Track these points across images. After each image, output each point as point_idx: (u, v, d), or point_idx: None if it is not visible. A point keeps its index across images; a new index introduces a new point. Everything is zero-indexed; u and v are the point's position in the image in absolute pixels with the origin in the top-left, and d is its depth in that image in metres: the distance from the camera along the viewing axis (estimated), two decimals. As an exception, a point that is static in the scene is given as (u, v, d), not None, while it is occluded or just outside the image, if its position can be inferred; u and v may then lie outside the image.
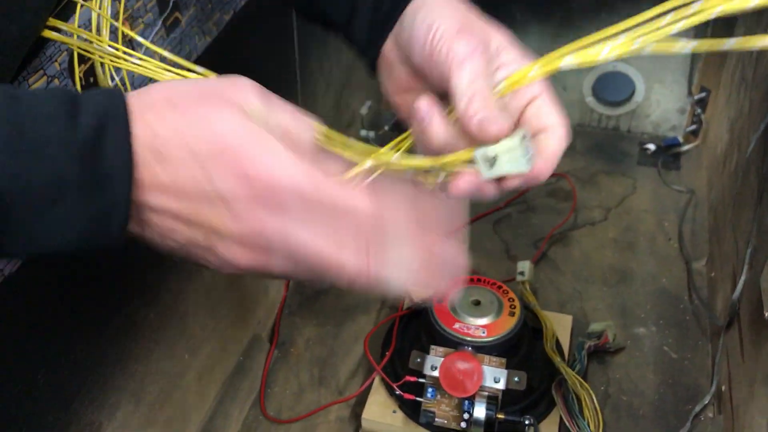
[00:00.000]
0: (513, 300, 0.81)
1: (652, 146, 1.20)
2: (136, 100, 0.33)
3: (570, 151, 1.22)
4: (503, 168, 0.38)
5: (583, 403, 0.78)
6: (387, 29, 0.48)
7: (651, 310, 0.95)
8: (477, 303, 0.80)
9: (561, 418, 0.78)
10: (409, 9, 0.46)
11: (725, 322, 0.83)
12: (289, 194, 0.32)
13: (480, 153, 0.38)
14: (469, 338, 0.78)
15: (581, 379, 0.79)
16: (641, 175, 1.16)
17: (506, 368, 0.77)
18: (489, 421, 0.74)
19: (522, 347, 0.81)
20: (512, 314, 0.80)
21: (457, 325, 0.79)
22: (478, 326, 0.78)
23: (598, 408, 0.78)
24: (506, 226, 1.09)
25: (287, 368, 0.90)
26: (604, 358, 0.89)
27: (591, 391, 0.79)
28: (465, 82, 0.40)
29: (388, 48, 0.49)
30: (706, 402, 0.83)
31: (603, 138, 1.24)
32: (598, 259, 1.03)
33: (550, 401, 0.80)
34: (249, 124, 0.33)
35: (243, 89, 0.35)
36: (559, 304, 0.95)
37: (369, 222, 0.34)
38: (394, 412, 0.81)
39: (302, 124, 0.36)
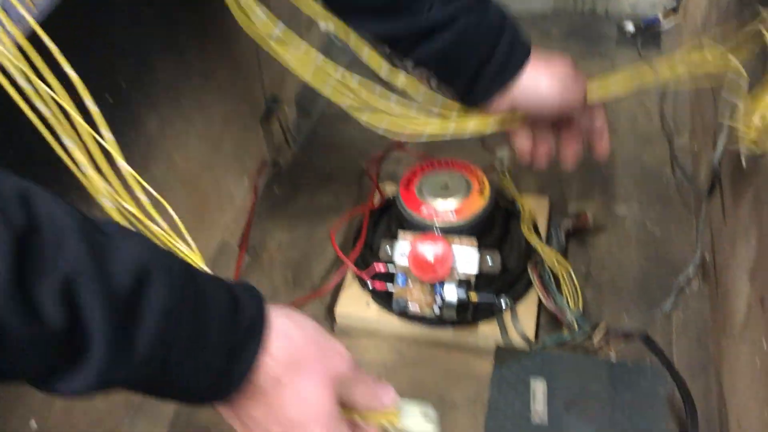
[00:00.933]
0: (482, 180, 0.77)
1: (631, 27, 1.14)
2: (274, 333, 0.41)
3: (546, 38, 1.18)
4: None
5: (561, 279, 0.75)
6: (497, 92, 0.62)
7: (633, 188, 0.91)
8: (444, 186, 0.77)
9: (539, 299, 0.75)
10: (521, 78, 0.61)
11: (708, 189, 0.79)
12: None
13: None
14: (437, 221, 0.74)
15: (559, 256, 0.76)
16: (620, 57, 1.11)
17: (478, 250, 0.74)
18: (462, 304, 0.71)
19: (495, 228, 0.77)
20: (482, 194, 0.76)
21: (424, 209, 0.75)
22: (447, 209, 0.75)
23: (576, 283, 0.75)
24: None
25: (260, 273, 0.87)
26: (585, 240, 0.86)
27: (569, 267, 0.76)
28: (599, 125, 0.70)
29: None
30: (690, 273, 0.80)
31: (580, 22, 1.18)
32: (578, 142, 0.98)
33: (527, 282, 0.77)
34: (328, 407, 0.42)
35: (342, 361, 0.43)
36: (537, 188, 0.92)
37: None
38: (368, 304, 0.79)
39: (374, 399, 0.46)
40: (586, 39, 1.14)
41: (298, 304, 0.82)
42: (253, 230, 0.91)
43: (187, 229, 0.45)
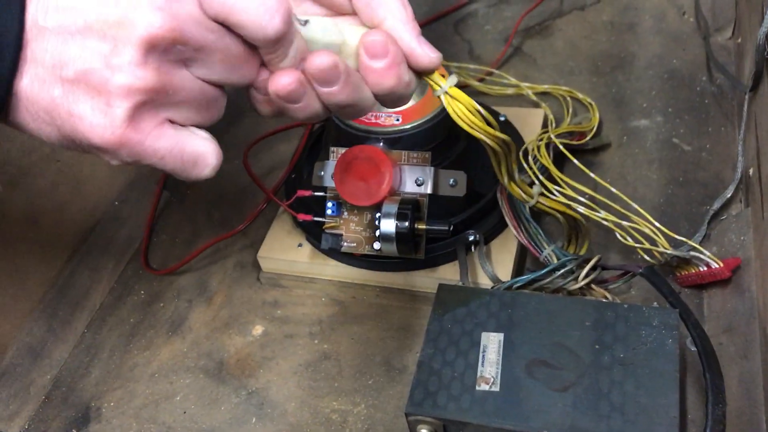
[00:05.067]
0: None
1: None
2: None
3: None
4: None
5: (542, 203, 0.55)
6: None
7: (656, 97, 0.71)
8: (390, 84, 0.58)
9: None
10: None
11: (752, 79, 0.58)
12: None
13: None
14: (376, 129, 0.56)
15: (540, 175, 0.57)
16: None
17: (435, 167, 0.56)
18: (402, 235, 0.52)
19: (459, 140, 0.58)
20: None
21: (362, 115, 0.57)
22: (390, 113, 0.56)
23: (564, 209, 0.55)
24: (471, 24, 0.85)
25: (180, 212, 0.71)
26: (591, 160, 0.66)
27: (561, 180, 0.56)
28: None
29: None
30: (729, 195, 0.59)
31: None
32: (588, 46, 0.78)
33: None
34: None
35: None
36: (534, 103, 0.72)
37: None
38: (300, 245, 0.61)
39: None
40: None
41: (215, 251, 0.65)
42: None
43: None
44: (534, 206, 0.54)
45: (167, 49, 0.29)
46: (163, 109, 0.31)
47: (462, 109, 0.39)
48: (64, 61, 0.29)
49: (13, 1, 0.28)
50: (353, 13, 0.37)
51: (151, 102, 0.30)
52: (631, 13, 0.81)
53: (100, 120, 0.29)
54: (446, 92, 0.38)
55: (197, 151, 0.32)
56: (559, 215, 0.54)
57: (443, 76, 0.39)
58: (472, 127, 0.40)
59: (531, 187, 0.54)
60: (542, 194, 0.54)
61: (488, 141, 0.42)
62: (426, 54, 0.36)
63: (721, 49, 0.73)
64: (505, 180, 0.50)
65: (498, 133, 0.42)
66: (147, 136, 0.30)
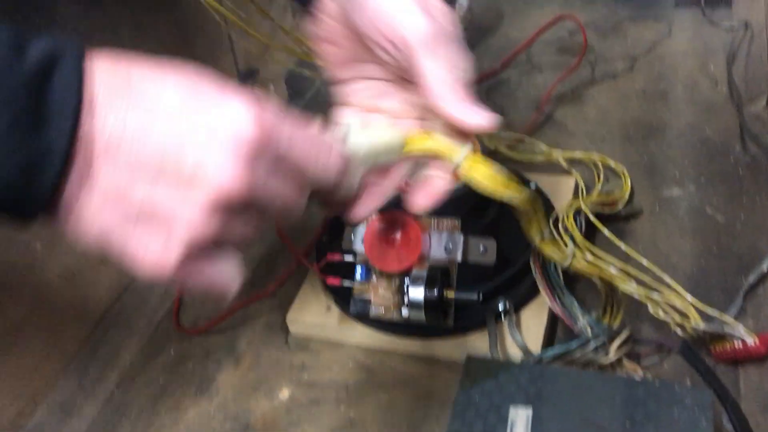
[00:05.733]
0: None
1: (694, -16, 0.93)
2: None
3: (587, 2, 0.99)
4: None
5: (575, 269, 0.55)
6: None
7: (689, 166, 0.71)
8: (421, 151, 0.59)
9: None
10: None
11: (785, 153, 0.58)
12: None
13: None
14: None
15: (572, 243, 0.56)
16: (679, 18, 0.90)
17: (465, 234, 0.56)
18: (430, 302, 0.52)
19: (491, 208, 0.59)
20: (470, 162, 0.58)
21: (393, 182, 0.57)
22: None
23: (600, 271, 0.55)
24: (504, 91, 0.86)
25: (212, 272, 0.71)
26: (623, 228, 0.66)
27: (592, 250, 0.55)
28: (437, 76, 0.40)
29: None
30: (766, 268, 0.58)
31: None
32: (620, 114, 0.79)
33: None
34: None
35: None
36: (565, 170, 0.72)
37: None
38: (329, 309, 0.62)
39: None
40: (637, 1, 0.94)
41: (245, 311, 0.66)
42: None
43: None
44: (568, 268, 0.53)
45: (237, 207, 0.30)
46: (210, 249, 0.31)
47: (482, 174, 0.40)
48: (129, 196, 0.29)
49: (66, 114, 0.28)
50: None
51: (203, 246, 0.30)
52: (663, 82, 0.81)
53: (154, 258, 0.29)
54: (459, 165, 0.40)
55: (226, 282, 0.32)
56: (595, 278, 0.54)
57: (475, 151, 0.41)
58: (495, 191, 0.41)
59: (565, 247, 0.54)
60: (575, 255, 0.53)
61: (513, 201, 0.42)
62: (463, 120, 0.41)
63: (755, 119, 0.73)
64: (537, 240, 0.49)
65: (517, 191, 0.42)
66: (189, 274, 0.30)
